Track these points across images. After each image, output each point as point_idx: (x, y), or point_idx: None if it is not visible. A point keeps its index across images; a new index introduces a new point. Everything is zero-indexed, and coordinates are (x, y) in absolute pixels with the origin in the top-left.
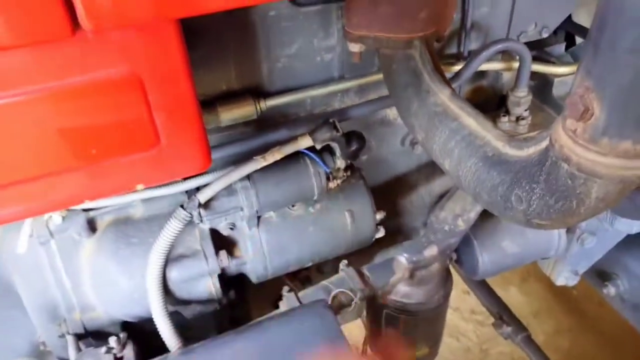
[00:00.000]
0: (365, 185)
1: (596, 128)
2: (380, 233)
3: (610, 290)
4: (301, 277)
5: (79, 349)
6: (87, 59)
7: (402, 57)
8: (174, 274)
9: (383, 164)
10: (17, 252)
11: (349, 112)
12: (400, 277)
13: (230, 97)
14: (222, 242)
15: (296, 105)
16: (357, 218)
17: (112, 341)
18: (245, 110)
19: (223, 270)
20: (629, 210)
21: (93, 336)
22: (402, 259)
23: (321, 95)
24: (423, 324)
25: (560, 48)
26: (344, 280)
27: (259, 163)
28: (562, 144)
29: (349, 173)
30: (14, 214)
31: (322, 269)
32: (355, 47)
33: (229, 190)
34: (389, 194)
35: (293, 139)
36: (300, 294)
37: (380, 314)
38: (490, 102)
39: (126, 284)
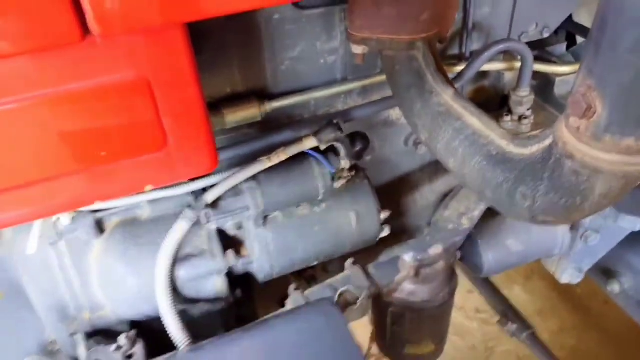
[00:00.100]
0: (369, 184)
1: (599, 125)
2: (385, 232)
3: (615, 287)
4: (307, 276)
5: (88, 348)
6: (97, 63)
7: (405, 58)
8: (181, 273)
9: (387, 164)
10: (27, 253)
11: (353, 113)
12: (406, 275)
13: (235, 99)
14: (229, 242)
15: (300, 107)
16: (362, 217)
17: (122, 339)
18: (249, 112)
19: (230, 269)
20: (632, 207)
21: (102, 335)
22: (407, 257)
23: (325, 97)
24: (428, 321)
25: (561, 48)
26: (349, 279)
27: (264, 164)
28: (565, 141)
29: (353, 173)
30: (27, 214)
31: (328, 268)
32: (358, 49)
33: (236, 190)
34: (393, 194)
35: (298, 139)
36: (306, 292)
37: (385, 312)
38: (492, 102)
39: (134, 284)
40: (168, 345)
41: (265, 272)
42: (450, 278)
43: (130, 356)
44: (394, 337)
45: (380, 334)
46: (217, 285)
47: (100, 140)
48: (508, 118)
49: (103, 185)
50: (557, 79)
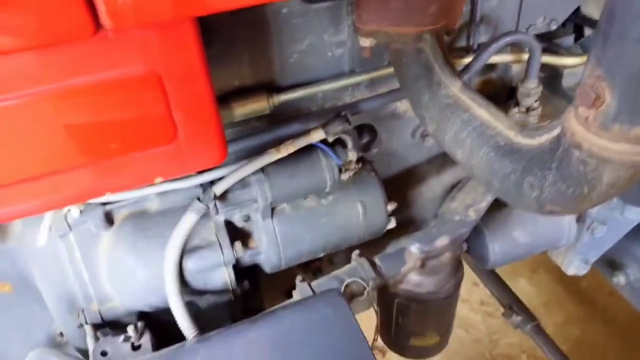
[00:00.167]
0: (376, 176)
1: (607, 115)
2: (392, 224)
3: (620, 279)
4: (313, 268)
5: (97, 339)
6: (108, 57)
7: (413, 50)
8: (190, 264)
9: (393, 156)
10: (36, 245)
11: (360, 106)
12: (412, 266)
13: (243, 92)
14: (237, 234)
15: (308, 99)
16: (368, 209)
17: (130, 330)
18: (258, 105)
19: (237, 260)
20: (639, 199)
21: (110, 326)
22: (413, 249)
23: (332, 90)
24: (434, 313)
25: (569, 40)
26: (356, 270)
27: (272, 156)
28: (574, 131)
29: (360, 165)
30: (40, 206)
31: (334, 260)
32: (366, 42)
33: (244, 182)
34: (400, 186)
35: (306, 132)
36: (313, 283)
37: (391, 303)
38: (499, 94)
39: (143, 275)
40: (175, 337)
41: (272, 264)
42: (457, 270)
43: (138, 347)
44: (399, 328)
45: (385, 326)
46: (224, 277)
47: (111, 133)
48: (515, 110)
49: (114, 177)
50: (565, 71)
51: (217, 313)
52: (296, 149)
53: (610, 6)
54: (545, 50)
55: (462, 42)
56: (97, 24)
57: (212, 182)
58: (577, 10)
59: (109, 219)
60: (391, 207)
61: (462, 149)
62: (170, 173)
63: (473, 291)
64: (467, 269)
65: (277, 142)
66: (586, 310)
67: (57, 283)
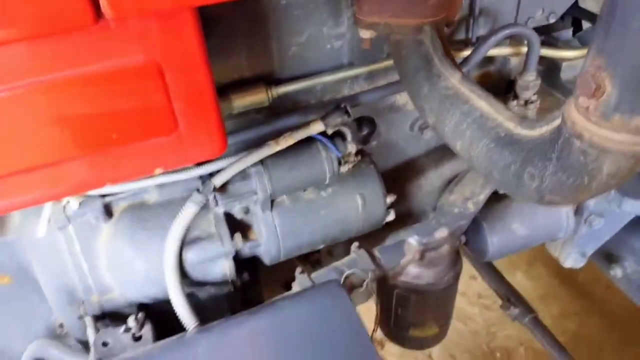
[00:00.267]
0: (375, 169)
1: (608, 105)
2: (391, 216)
3: (617, 272)
4: (312, 260)
5: (97, 330)
6: (109, 46)
7: (413, 42)
8: (190, 255)
9: (392, 149)
10: (36, 237)
11: (359, 98)
12: (411, 258)
13: (242, 84)
14: (236, 226)
15: (307, 92)
16: (367, 201)
17: (131, 321)
18: (257, 98)
19: (237, 252)
20: (637, 192)
21: (111, 317)
22: (412, 241)
23: (331, 82)
24: (433, 304)
25: (567, 33)
26: (355, 262)
27: (272, 148)
28: (574, 121)
29: (359, 158)
30: (40, 196)
31: (333, 252)
32: (366, 34)
33: (243, 174)
34: (399, 179)
35: (305, 124)
36: (312, 275)
37: (391, 294)
38: (498, 87)
39: (142, 267)
40: (175, 328)
41: (272, 256)
42: (455, 261)
43: (139, 338)
44: (398, 320)
45: (384, 318)
46: (224, 269)
47: (112, 123)
48: (514, 103)
49: (114, 168)
50: (564, 64)
51: (216, 305)
52: (295, 141)
53: None
54: (544, 43)
55: (461, 35)
56: (98, 13)
57: (211, 174)
58: (576, 3)
59: (108, 211)
60: (390, 199)
61: (462, 140)
62: (170, 164)
63: (471, 284)
64: (465, 262)
65: (276, 135)
66: (583, 304)
67: (56, 275)
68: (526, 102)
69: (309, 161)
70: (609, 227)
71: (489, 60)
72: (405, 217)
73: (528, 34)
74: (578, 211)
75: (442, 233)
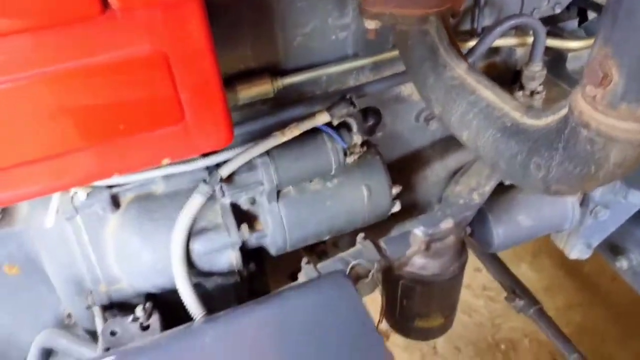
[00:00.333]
0: (381, 160)
1: (615, 94)
2: (396, 207)
3: (623, 263)
4: (318, 251)
5: (105, 320)
6: (116, 37)
7: (418, 32)
8: (197, 246)
9: (398, 140)
10: (44, 227)
11: (364, 89)
12: (417, 249)
13: (247, 75)
14: (243, 216)
15: (312, 83)
16: (373, 192)
17: (139, 310)
18: (262, 89)
19: (244, 243)
20: None
21: (118, 307)
22: (418, 231)
23: (336, 73)
24: (438, 294)
25: (573, 24)
26: (361, 252)
27: (278, 139)
28: (581, 110)
29: (365, 149)
30: (49, 187)
31: (339, 243)
32: (371, 24)
33: (249, 165)
34: (404, 170)
35: (311, 115)
36: (318, 265)
37: (396, 285)
38: (503, 78)
39: (149, 257)
40: (182, 318)
41: (278, 246)
42: (461, 252)
43: (146, 327)
44: (403, 310)
45: (389, 308)
46: (231, 259)
47: (119, 113)
48: (520, 94)
49: (122, 158)
50: (569, 55)
51: (223, 295)
52: (301, 131)
53: None
54: (550, 34)
55: (466, 26)
56: (105, 4)
57: (217, 166)
58: None
59: (115, 202)
60: (396, 190)
61: (468, 130)
62: (178, 154)
63: (475, 276)
64: (469, 254)
65: (282, 126)
66: (587, 296)
67: (64, 265)
68: (532, 93)
69: (314, 152)
70: (614, 219)
71: (495, 51)
72: (411, 209)
73: (534, 24)
74: (584, 202)
75: (447, 224)
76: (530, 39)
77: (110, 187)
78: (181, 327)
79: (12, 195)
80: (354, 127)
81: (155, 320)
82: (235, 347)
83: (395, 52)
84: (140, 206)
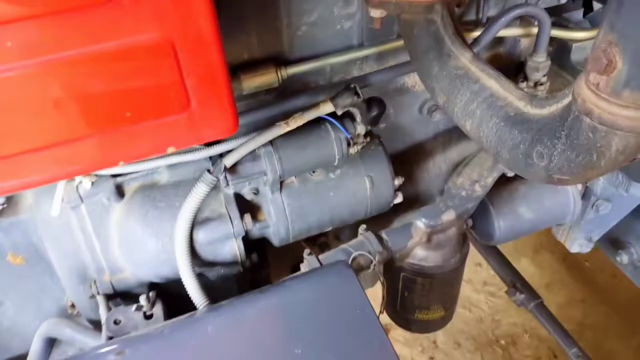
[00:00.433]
0: (384, 151)
1: (618, 81)
2: (399, 198)
3: (624, 258)
4: (319, 243)
5: (109, 309)
6: (122, 24)
7: (423, 21)
8: (200, 236)
9: (401, 131)
10: (48, 216)
11: (369, 79)
12: (418, 241)
13: (252, 65)
14: (246, 207)
15: (316, 73)
16: (376, 183)
17: (142, 299)
18: (267, 78)
19: (247, 233)
20: None
21: (122, 297)
22: (419, 223)
23: (341, 63)
24: (439, 286)
25: (578, 14)
26: (363, 244)
27: (282, 129)
28: (584, 97)
29: (368, 139)
30: (54, 175)
31: (340, 236)
32: (376, 13)
33: (253, 156)
34: (407, 162)
35: (315, 105)
36: (320, 256)
37: (397, 277)
38: (508, 68)
39: (154, 246)
40: (184, 308)
41: (280, 237)
42: (462, 244)
43: (150, 316)
44: (404, 302)
45: (390, 301)
46: (234, 249)
47: (125, 101)
48: (524, 84)
49: (128, 146)
50: (574, 45)
51: (225, 285)
52: (305, 121)
53: None
54: (555, 24)
55: (471, 16)
56: None
57: (220, 156)
58: None
59: (120, 191)
60: (398, 181)
61: (471, 119)
62: (183, 142)
63: (476, 271)
64: (471, 249)
65: (286, 115)
66: (589, 291)
67: (69, 254)
68: (536, 84)
69: (318, 142)
70: (616, 212)
71: (499, 41)
72: (413, 201)
73: (539, 14)
74: (585, 196)
75: (449, 215)
76: (534, 30)
77: (115, 176)
78: (184, 315)
79: (17, 184)
80: (358, 117)
81: (158, 309)
82: (238, 336)
83: (400, 42)
84: (145, 195)
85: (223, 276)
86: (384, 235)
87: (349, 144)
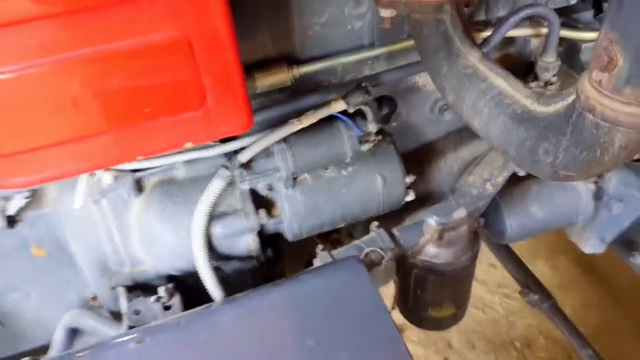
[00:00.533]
0: (395, 149)
1: (619, 78)
2: (410, 196)
3: (638, 259)
4: (332, 240)
5: (129, 300)
6: (140, 22)
7: (433, 21)
8: (217, 230)
9: (412, 130)
10: (72, 210)
11: (380, 78)
12: (430, 238)
13: (265, 64)
14: (260, 202)
15: (328, 72)
16: (387, 181)
17: (161, 291)
18: (279, 77)
19: (262, 228)
20: None
21: (141, 289)
22: (431, 221)
23: (352, 62)
24: (450, 284)
25: (588, 15)
26: (375, 240)
27: (295, 126)
28: (587, 95)
29: (380, 137)
30: (75, 169)
31: (353, 233)
32: (386, 13)
33: (267, 152)
34: (418, 161)
35: (327, 103)
36: (333, 252)
37: (409, 275)
38: (518, 69)
39: (172, 240)
40: (200, 300)
41: (294, 232)
42: (473, 242)
43: (168, 307)
44: (416, 300)
45: (402, 298)
46: (249, 243)
47: (144, 97)
48: (534, 84)
49: (146, 142)
50: (583, 46)
51: (240, 279)
52: (317, 119)
53: None
54: (564, 25)
55: (480, 16)
56: None
57: (235, 153)
58: None
59: (139, 186)
60: (409, 179)
61: (480, 117)
62: (200, 138)
63: (490, 273)
64: (485, 250)
65: (299, 114)
66: (604, 294)
67: (90, 247)
68: (546, 84)
69: (330, 139)
70: (629, 213)
71: (509, 41)
72: (424, 199)
73: (548, 14)
74: (597, 196)
75: (460, 213)
76: (544, 30)
77: (135, 171)
78: (202, 307)
79: (41, 177)
80: (369, 115)
81: (176, 301)
82: (253, 327)
83: (410, 42)
84: (163, 190)
85: (238, 270)
86: (395, 232)
87: (360, 142)
